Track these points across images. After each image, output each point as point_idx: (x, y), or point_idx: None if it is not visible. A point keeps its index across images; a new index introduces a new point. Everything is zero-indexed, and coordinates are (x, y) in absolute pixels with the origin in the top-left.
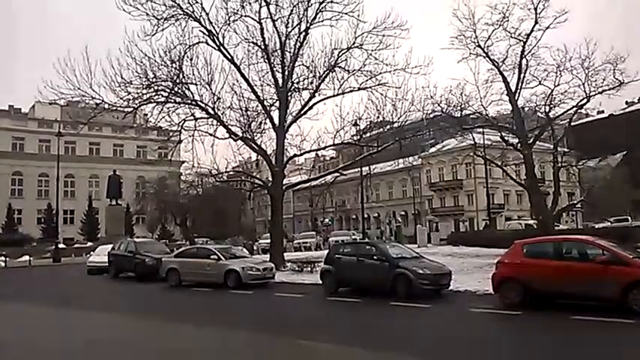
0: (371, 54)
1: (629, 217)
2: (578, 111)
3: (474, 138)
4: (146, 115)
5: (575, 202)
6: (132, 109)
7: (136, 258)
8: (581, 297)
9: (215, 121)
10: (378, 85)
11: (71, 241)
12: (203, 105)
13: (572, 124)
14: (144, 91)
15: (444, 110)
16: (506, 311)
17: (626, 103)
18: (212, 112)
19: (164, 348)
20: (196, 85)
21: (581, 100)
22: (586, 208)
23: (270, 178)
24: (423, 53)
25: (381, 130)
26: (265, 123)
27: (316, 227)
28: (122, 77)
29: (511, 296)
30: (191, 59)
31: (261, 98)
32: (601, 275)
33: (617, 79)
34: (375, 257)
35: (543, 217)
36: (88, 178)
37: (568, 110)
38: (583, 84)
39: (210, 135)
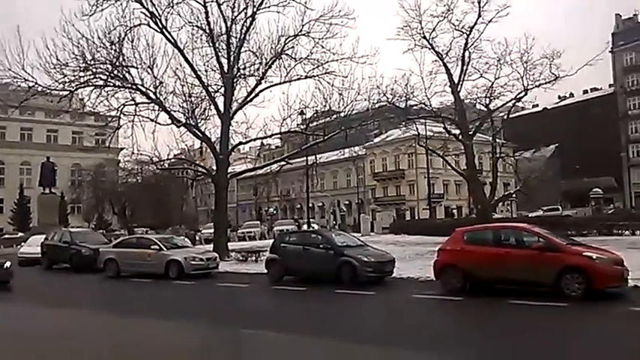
0: (318, 42)
1: (560, 207)
2: (516, 104)
3: (417, 129)
4: (83, 99)
5: (512, 191)
6: (68, 92)
7: (72, 248)
8: (518, 282)
9: (157, 107)
10: (325, 73)
11: (0, 232)
12: (144, 89)
13: (510, 116)
14: (81, 74)
15: (389, 100)
16: (447, 297)
17: (559, 97)
18: (154, 96)
19: (104, 342)
20: (137, 68)
21: (519, 93)
22: (520, 198)
23: (214, 167)
24: (370, 43)
25: (328, 119)
26: (210, 109)
27: (261, 217)
28: (57, 59)
29: (452, 282)
30: (132, 41)
31: (206, 84)
32: (537, 261)
33: (553, 73)
34: (320, 246)
35: (482, 206)
36: (19, 165)
37: (507, 103)
38: (522, 77)
39: (152, 121)
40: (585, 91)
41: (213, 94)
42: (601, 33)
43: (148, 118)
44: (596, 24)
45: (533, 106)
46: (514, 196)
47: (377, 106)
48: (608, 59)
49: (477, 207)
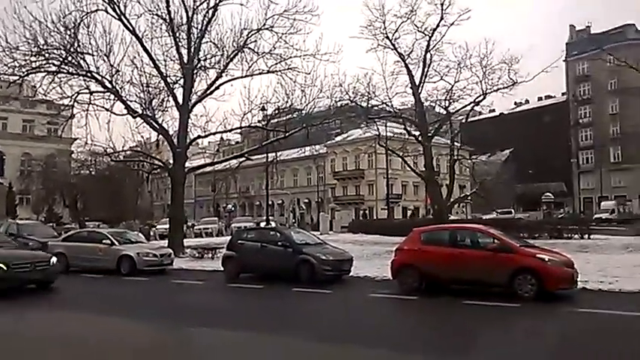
0: (281, 37)
1: (513, 210)
2: (474, 108)
3: (378, 129)
4: (34, 85)
5: (469, 193)
6: (18, 77)
7: (18, 241)
8: (473, 282)
9: (112, 96)
10: (288, 69)
11: None
12: (99, 77)
13: (468, 120)
14: (32, 59)
15: (351, 99)
16: (403, 296)
17: (515, 103)
18: (109, 85)
19: (45, 336)
20: (93, 55)
21: (478, 97)
22: (475, 200)
23: (172, 160)
24: (334, 40)
25: (289, 116)
26: (168, 101)
27: (219, 213)
28: (7, 41)
29: (408, 282)
30: (88, 27)
31: (165, 74)
32: (491, 262)
33: (511, 78)
34: (279, 243)
35: (439, 207)
36: None
37: (466, 106)
38: (481, 81)
39: (107, 110)
40: (540, 98)
41: (171, 85)
42: (556, 42)
43: (103, 107)
44: (553, 33)
45: (490, 111)
46: (470, 198)
47: (339, 104)
48: (562, 68)
49: (433, 208)
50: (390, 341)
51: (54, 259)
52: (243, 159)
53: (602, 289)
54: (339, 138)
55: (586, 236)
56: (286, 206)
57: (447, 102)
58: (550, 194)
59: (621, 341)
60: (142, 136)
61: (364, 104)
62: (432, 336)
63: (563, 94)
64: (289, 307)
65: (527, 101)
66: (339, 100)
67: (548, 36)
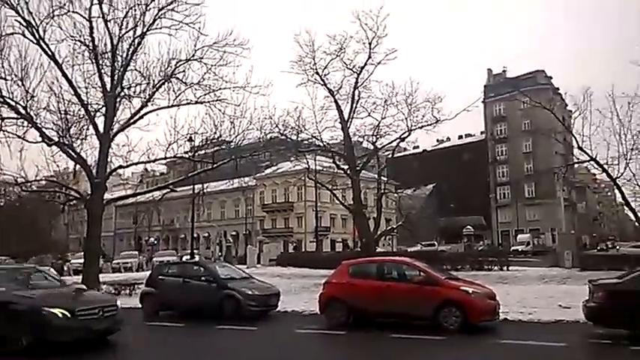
0: (210, 69)
1: (435, 243)
2: (400, 144)
3: (307, 162)
4: None
5: (395, 226)
6: None
7: None
8: (400, 316)
9: (26, 122)
10: (217, 100)
11: None
12: (13, 103)
13: (394, 155)
14: None
15: (281, 132)
16: (331, 331)
17: (437, 140)
18: (23, 111)
19: None
20: (6, 80)
21: (403, 133)
22: (400, 233)
23: (89, 191)
24: (264, 74)
25: (218, 147)
26: (88, 129)
27: (140, 246)
28: None
29: (336, 316)
30: (1, 50)
31: (85, 102)
32: (417, 295)
33: (434, 116)
34: (202, 278)
35: (366, 240)
36: None
37: (392, 141)
38: (406, 118)
39: (19, 137)
40: (460, 137)
41: (92, 114)
42: (476, 84)
43: (15, 134)
44: (473, 75)
45: (414, 147)
46: (396, 230)
47: (269, 137)
48: (481, 109)
49: (361, 240)
50: None
51: (119, 303)
52: (168, 190)
53: (522, 320)
54: (268, 170)
55: (505, 268)
56: (212, 239)
57: (374, 137)
58: (470, 227)
59: None
60: (58, 166)
61: (294, 137)
62: None
63: (481, 132)
64: (211, 346)
65: (448, 139)
66: (269, 133)
67: (468, 78)
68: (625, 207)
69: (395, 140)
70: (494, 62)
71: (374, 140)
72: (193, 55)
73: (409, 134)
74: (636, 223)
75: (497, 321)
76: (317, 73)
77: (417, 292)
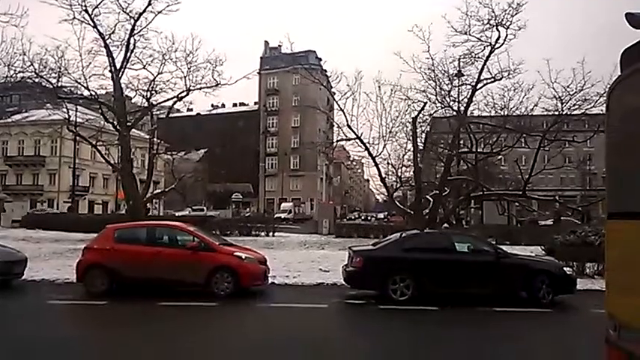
0: None
1: (204, 208)
2: (176, 103)
3: (68, 111)
4: None
5: (167, 189)
6: None
7: None
8: (171, 282)
9: None
10: None
11: None
12: None
13: (169, 115)
14: None
15: (37, 72)
16: (90, 301)
17: (212, 105)
18: None
19: None
20: None
21: (181, 92)
22: (168, 197)
23: None
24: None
25: None
26: None
27: None
28: None
29: (97, 284)
30: None
31: None
32: (190, 261)
33: (214, 79)
34: None
35: (134, 202)
36: None
37: (168, 99)
38: (185, 77)
39: None
40: (235, 104)
41: None
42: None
43: None
44: (252, 44)
45: (188, 110)
46: (165, 194)
47: (20, 77)
48: (256, 80)
49: (128, 203)
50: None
51: None
52: None
53: (287, 283)
54: (17, 117)
55: (271, 234)
56: None
57: (149, 92)
58: (239, 194)
59: (307, 331)
60: None
61: (53, 81)
62: (121, 341)
63: (255, 103)
64: None
65: (223, 105)
66: (20, 72)
67: (247, 46)
68: (370, 182)
69: (172, 99)
70: (273, 36)
71: (148, 96)
72: None
73: (187, 94)
74: (381, 197)
75: (267, 285)
76: (86, 10)
77: (191, 257)
